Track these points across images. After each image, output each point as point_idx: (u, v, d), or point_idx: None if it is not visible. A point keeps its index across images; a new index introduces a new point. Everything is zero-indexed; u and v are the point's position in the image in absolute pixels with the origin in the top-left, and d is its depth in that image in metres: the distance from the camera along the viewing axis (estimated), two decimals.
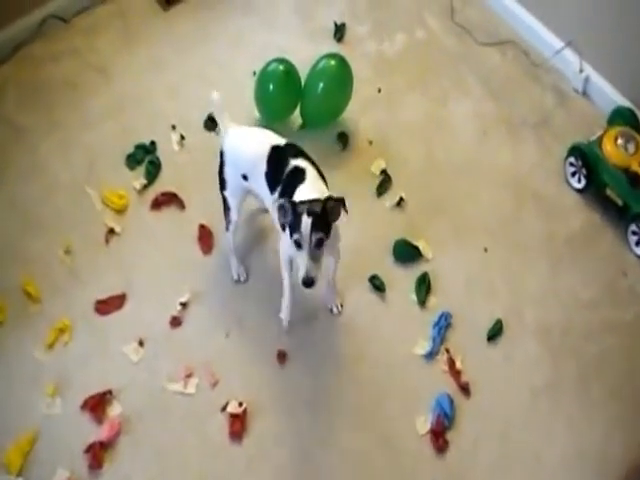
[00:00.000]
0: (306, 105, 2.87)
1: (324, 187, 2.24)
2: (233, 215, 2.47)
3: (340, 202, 2.10)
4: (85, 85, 3.11)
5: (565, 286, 2.58)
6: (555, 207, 2.74)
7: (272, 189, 2.28)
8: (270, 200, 2.30)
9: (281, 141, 2.34)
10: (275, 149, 2.30)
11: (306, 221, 2.04)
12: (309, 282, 2.07)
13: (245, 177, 2.35)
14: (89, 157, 2.90)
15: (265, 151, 2.29)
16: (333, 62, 2.81)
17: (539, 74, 3.05)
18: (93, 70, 3.15)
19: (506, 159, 2.86)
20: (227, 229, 2.52)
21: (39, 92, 3.06)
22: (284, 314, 2.49)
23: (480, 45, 3.15)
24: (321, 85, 2.79)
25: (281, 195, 2.23)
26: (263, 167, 2.29)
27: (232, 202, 2.45)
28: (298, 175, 2.23)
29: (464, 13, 3.25)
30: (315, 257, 2.08)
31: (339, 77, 2.82)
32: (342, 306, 2.55)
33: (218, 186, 2.43)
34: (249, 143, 2.36)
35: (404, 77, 3.09)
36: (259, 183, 2.32)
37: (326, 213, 2.08)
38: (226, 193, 2.43)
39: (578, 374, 2.44)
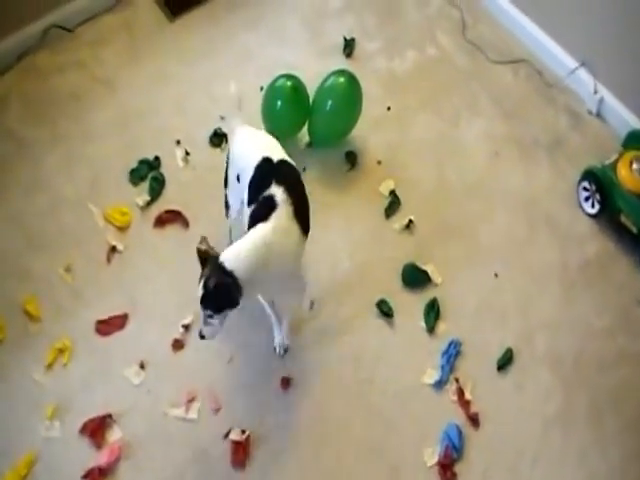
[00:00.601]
0: (314, 123, 2.81)
1: (283, 239, 2.06)
2: (232, 214, 2.42)
3: (228, 287, 1.96)
4: (90, 97, 3.07)
5: (578, 314, 2.52)
6: (569, 232, 2.68)
7: (249, 202, 2.19)
8: (247, 211, 2.20)
9: (278, 155, 2.22)
10: (266, 161, 2.18)
11: (199, 290, 1.99)
12: (201, 338, 2.06)
13: (238, 179, 2.28)
14: (92, 172, 2.86)
15: (257, 158, 2.19)
16: (342, 79, 2.75)
17: (552, 94, 2.99)
18: (98, 82, 3.11)
19: (518, 181, 2.79)
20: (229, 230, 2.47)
21: (43, 104, 3.02)
22: (276, 341, 2.45)
23: (492, 63, 3.09)
24: (329, 103, 2.74)
25: (251, 217, 2.14)
26: (250, 173, 2.19)
27: (231, 201, 2.41)
28: (266, 208, 2.09)
29: (476, 30, 3.20)
30: (207, 322, 2.04)
31: (348, 95, 2.76)
32: (286, 351, 2.45)
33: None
34: (248, 145, 2.28)
35: (414, 95, 3.03)
36: (244, 189, 2.23)
37: (215, 292, 1.97)
38: (227, 190, 2.40)
39: (591, 405, 2.37)
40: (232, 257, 2.00)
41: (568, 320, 2.51)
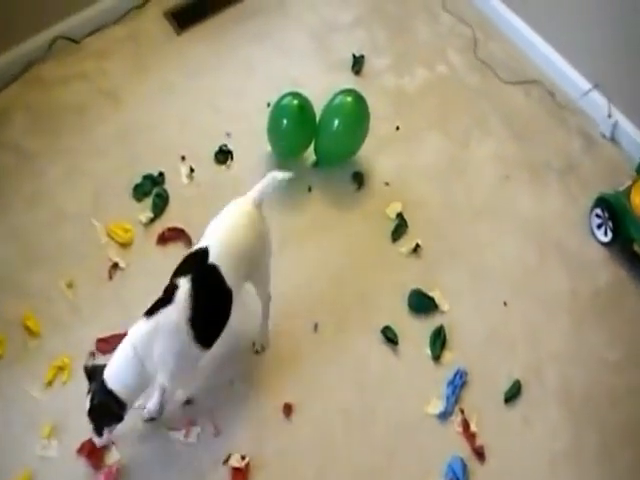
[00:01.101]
0: (320, 142, 2.76)
1: (164, 341, 1.99)
2: None
3: (108, 406, 1.97)
4: (94, 110, 3.03)
5: (589, 346, 2.45)
6: (580, 260, 2.61)
7: None
8: None
9: (218, 255, 2.07)
10: (201, 250, 2.09)
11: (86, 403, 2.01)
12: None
13: None
14: (96, 186, 2.81)
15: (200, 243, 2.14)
16: (349, 99, 2.69)
17: (565, 116, 2.93)
18: (103, 95, 3.07)
19: (529, 206, 2.73)
20: None
21: (47, 116, 2.99)
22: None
23: (504, 83, 3.02)
24: (336, 122, 2.68)
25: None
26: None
27: None
28: (161, 300, 2.05)
29: (487, 48, 3.14)
30: (98, 434, 2.06)
31: (355, 115, 2.70)
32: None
33: None
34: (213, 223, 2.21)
35: (424, 115, 2.97)
36: None
37: (99, 409, 1.99)
38: None
39: (601, 442, 2.30)
40: (112, 374, 1.99)
41: (578, 352, 2.44)
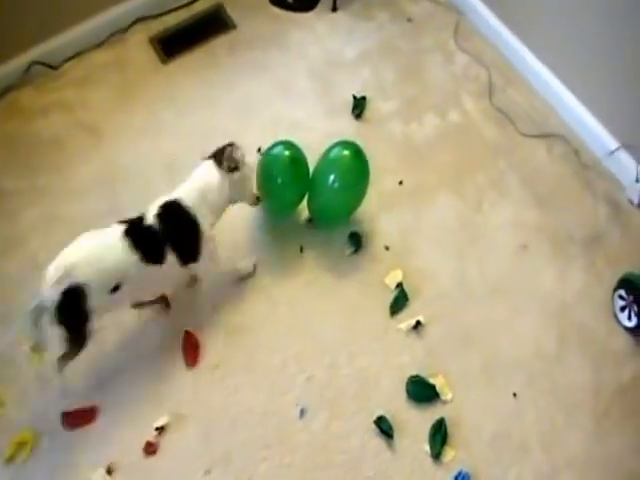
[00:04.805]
0: (314, 199, 2.46)
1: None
2: None
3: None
4: (74, 147, 2.80)
5: (611, 452, 2.11)
6: (603, 349, 2.28)
7: None
8: None
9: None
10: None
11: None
12: None
13: None
14: (71, 234, 2.46)
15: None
16: (347, 152, 2.39)
17: (590, 178, 2.60)
18: (83, 129, 2.84)
19: (548, 283, 2.39)
20: None
21: (24, 150, 2.79)
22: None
23: (523, 136, 2.70)
24: (332, 178, 2.36)
25: None
26: None
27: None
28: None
29: (506, 95, 2.82)
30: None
31: (353, 172, 2.39)
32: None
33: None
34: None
35: (432, 169, 2.65)
36: None
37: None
38: None
39: None
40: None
41: (599, 459, 2.11)
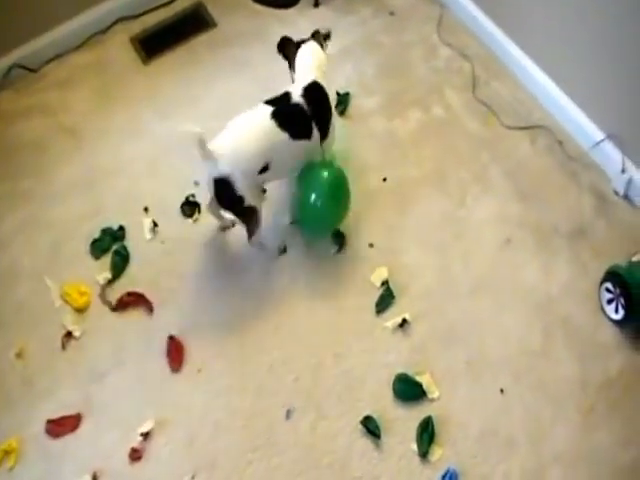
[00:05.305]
0: (298, 212, 2.43)
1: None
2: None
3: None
4: (55, 150, 2.79)
5: (599, 445, 2.10)
6: (589, 342, 2.26)
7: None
8: None
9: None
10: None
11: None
12: None
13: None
14: (53, 238, 2.58)
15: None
16: (326, 174, 2.34)
17: (575, 169, 2.58)
18: (64, 132, 2.83)
19: (533, 276, 2.37)
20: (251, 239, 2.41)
21: (5, 154, 2.78)
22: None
23: (506, 128, 2.67)
24: (313, 197, 2.31)
25: None
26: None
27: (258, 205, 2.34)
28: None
29: (489, 87, 2.79)
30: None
31: (332, 193, 2.35)
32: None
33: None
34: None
35: (416, 165, 2.63)
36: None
37: None
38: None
39: None
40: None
41: (586, 452, 2.09)
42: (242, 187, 2.17)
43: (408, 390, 2.20)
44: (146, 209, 2.58)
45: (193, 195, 2.58)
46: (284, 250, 2.46)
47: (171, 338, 2.33)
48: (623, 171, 2.49)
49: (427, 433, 2.13)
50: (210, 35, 3.03)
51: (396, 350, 2.27)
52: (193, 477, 2.11)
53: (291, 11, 3.12)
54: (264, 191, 2.37)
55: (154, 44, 3.01)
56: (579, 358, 2.23)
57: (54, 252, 2.54)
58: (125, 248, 2.52)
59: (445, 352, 2.26)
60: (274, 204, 2.52)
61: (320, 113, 2.32)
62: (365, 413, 2.17)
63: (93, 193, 2.66)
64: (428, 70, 2.86)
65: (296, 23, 3.06)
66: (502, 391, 2.19)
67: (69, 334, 2.38)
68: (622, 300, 2.23)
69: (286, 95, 2.29)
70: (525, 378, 2.21)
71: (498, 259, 2.41)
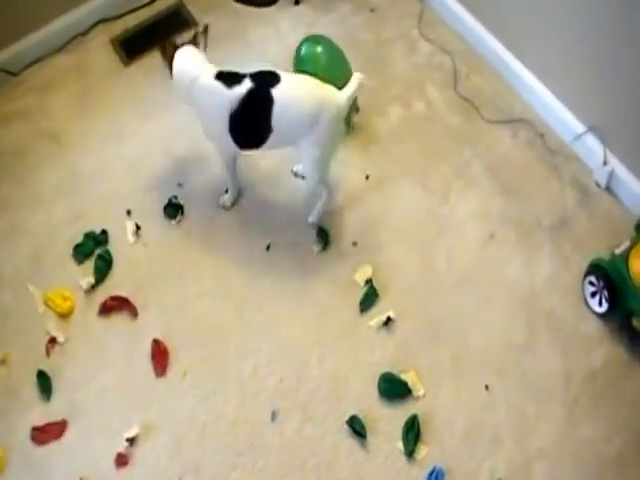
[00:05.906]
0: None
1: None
2: None
3: None
4: (36, 155, 2.75)
5: (583, 439, 2.12)
6: (573, 336, 2.27)
7: None
8: None
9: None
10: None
11: None
12: None
13: None
14: (35, 244, 2.55)
15: None
16: (319, 49, 2.57)
17: (556, 162, 2.58)
18: (45, 137, 2.79)
19: (516, 271, 2.38)
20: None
21: None
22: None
23: (488, 123, 2.67)
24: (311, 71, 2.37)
25: None
26: None
27: None
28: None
29: (470, 82, 2.78)
30: None
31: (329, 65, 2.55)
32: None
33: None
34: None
35: (398, 162, 2.62)
36: None
37: None
38: None
39: None
40: None
41: (571, 446, 2.11)
42: None
43: (393, 389, 2.20)
44: (129, 212, 2.56)
45: (176, 197, 2.57)
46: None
47: (155, 342, 2.32)
48: (605, 163, 2.49)
49: (413, 432, 2.14)
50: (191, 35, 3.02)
51: (381, 349, 2.27)
52: None
53: (271, 9, 3.10)
54: None
55: (135, 45, 2.98)
56: (563, 351, 2.24)
57: (36, 258, 2.52)
58: (108, 252, 2.50)
59: (430, 349, 2.26)
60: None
61: None
62: (350, 413, 2.17)
63: (75, 197, 2.64)
64: (409, 66, 2.85)
65: (276, 21, 3.04)
66: (487, 387, 2.20)
67: (53, 340, 2.37)
68: (605, 293, 2.24)
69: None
70: (509, 373, 2.22)
71: (482, 255, 2.42)
